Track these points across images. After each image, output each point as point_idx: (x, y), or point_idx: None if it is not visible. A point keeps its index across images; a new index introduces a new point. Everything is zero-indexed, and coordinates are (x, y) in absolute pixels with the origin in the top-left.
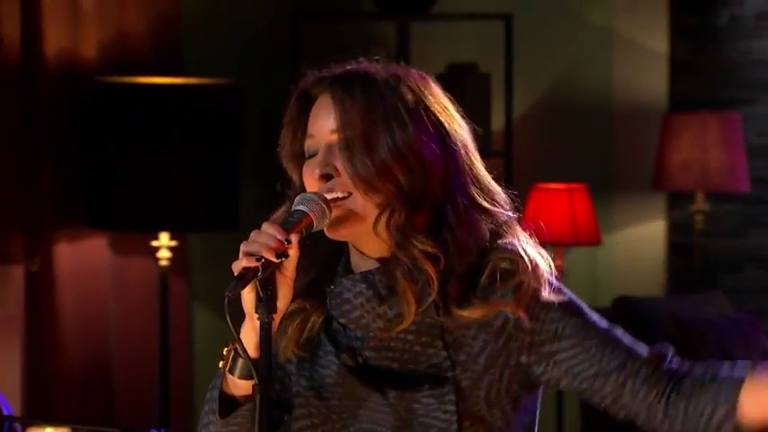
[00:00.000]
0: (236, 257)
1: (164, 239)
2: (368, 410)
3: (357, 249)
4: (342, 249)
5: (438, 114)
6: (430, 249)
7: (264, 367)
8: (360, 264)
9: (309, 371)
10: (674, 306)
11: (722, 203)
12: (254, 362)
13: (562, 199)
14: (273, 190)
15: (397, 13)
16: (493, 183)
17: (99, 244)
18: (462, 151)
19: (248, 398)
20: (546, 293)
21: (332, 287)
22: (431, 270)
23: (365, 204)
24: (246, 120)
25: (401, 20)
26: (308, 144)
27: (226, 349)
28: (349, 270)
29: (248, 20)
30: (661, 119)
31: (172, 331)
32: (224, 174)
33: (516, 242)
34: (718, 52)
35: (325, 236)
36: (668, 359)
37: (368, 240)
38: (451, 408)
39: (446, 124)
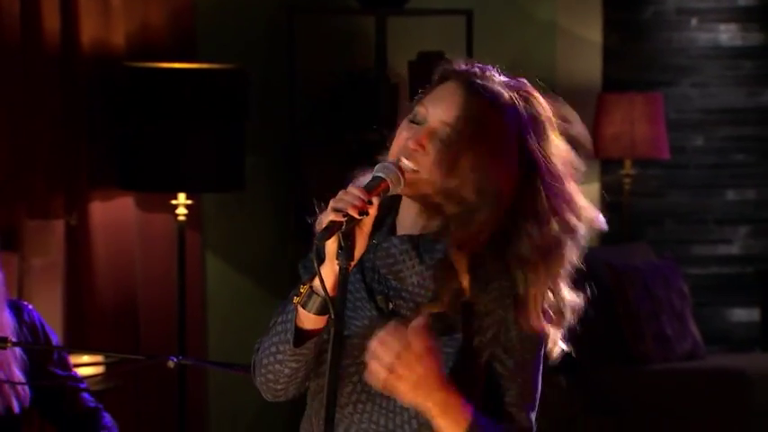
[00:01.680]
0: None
1: (181, 198)
2: None
3: (409, 211)
4: (392, 207)
5: (535, 147)
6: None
7: (340, 304)
8: (405, 224)
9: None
10: (608, 254)
11: (647, 168)
12: (331, 298)
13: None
14: (272, 157)
15: (376, 9)
16: (571, 216)
17: (127, 202)
18: (548, 180)
19: (315, 331)
20: (550, 330)
21: (374, 241)
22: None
23: (425, 186)
24: (250, 98)
25: (379, 15)
26: (419, 110)
27: (302, 288)
28: (392, 228)
29: (251, 14)
30: (596, 98)
31: (187, 276)
32: (231, 143)
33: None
34: (644, 42)
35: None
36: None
37: (420, 200)
38: (450, 365)
39: (540, 157)
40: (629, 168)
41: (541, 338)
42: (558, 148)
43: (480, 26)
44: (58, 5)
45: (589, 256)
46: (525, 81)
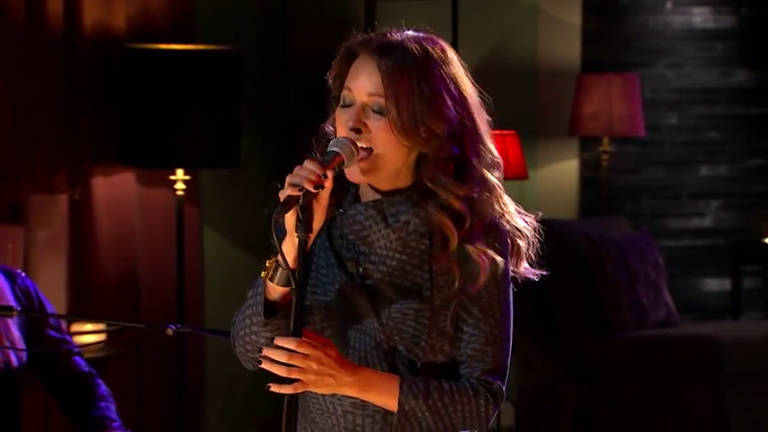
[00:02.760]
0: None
1: (179, 174)
2: (359, 312)
3: (368, 185)
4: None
5: (459, 87)
6: (461, 193)
7: (300, 275)
8: (367, 194)
9: (313, 279)
10: (586, 227)
11: (623, 146)
12: (292, 271)
13: (497, 142)
14: (266, 135)
15: None
16: (492, 146)
17: (128, 177)
18: (475, 116)
19: (284, 302)
20: (517, 266)
21: (340, 210)
22: (462, 209)
23: (383, 158)
24: (245, 79)
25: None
26: (345, 94)
27: (268, 262)
28: (356, 197)
29: None
30: (575, 78)
31: (186, 247)
32: (227, 122)
33: (508, 215)
34: (622, 25)
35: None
36: (482, 386)
37: (379, 181)
38: (425, 321)
39: (466, 97)
40: (606, 145)
41: (506, 279)
42: (470, 88)
43: (465, 10)
44: None
45: (569, 229)
46: (428, 30)
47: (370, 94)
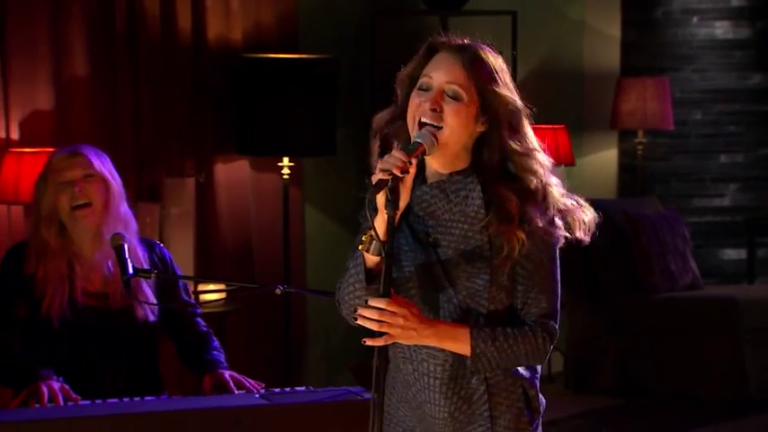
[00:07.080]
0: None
1: (286, 161)
2: (434, 274)
3: (432, 166)
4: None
5: (514, 87)
6: (535, 169)
7: (389, 245)
8: (432, 175)
9: (399, 251)
10: (624, 205)
11: (655, 138)
12: (382, 242)
13: (549, 135)
14: (357, 129)
15: (440, 10)
16: (532, 135)
17: (243, 164)
18: (523, 115)
19: (379, 269)
20: (559, 237)
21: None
22: (537, 186)
23: (450, 136)
24: (340, 82)
25: (442, 15)
26: (424, 81)
27: (364, 237)
28: (424, 179)
29: (343, 15)
30: (615, 81)
31: (291, 222)
32: (326, 117)
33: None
34: (655, 36)
35: None
36: (539, 327)
37: (442, 160)
38: (486, 277)
39: (518, 101)
40: (641, 137)
41: (554, 243)
42: (514, 91)
43: (523, 24)
44: (190, 8)
45: (610, 208)
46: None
47: (449, 82)
